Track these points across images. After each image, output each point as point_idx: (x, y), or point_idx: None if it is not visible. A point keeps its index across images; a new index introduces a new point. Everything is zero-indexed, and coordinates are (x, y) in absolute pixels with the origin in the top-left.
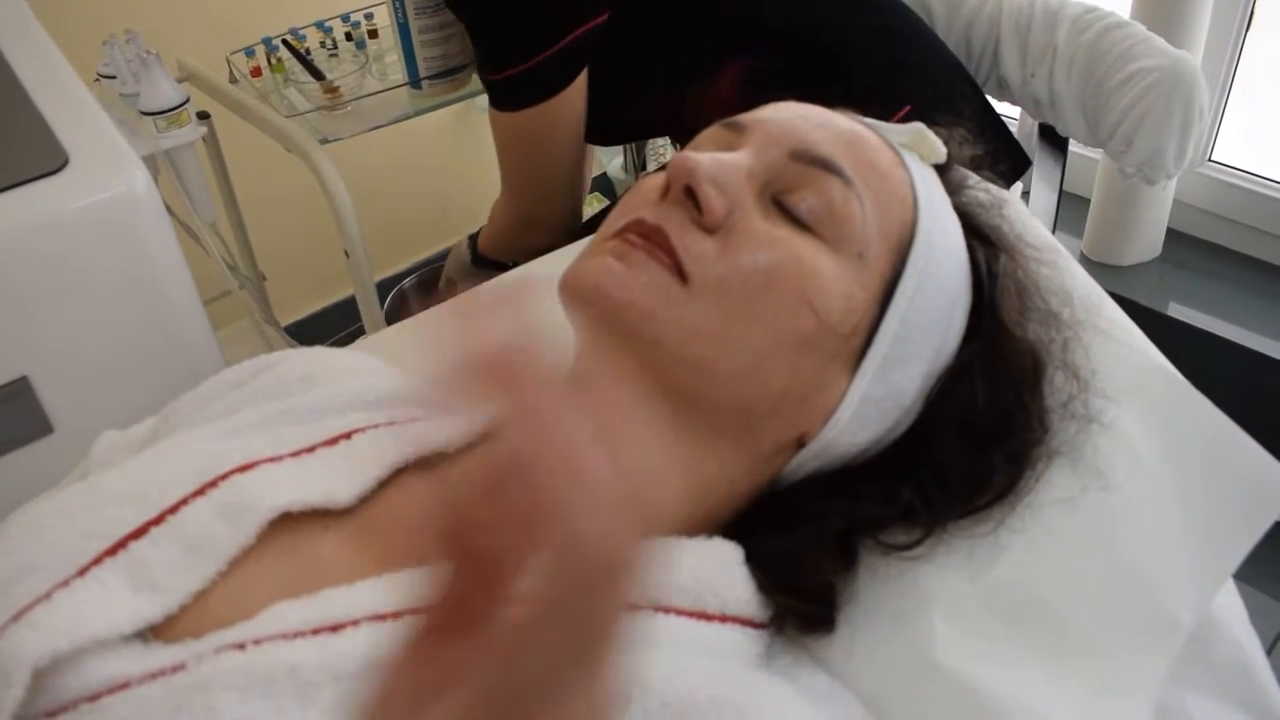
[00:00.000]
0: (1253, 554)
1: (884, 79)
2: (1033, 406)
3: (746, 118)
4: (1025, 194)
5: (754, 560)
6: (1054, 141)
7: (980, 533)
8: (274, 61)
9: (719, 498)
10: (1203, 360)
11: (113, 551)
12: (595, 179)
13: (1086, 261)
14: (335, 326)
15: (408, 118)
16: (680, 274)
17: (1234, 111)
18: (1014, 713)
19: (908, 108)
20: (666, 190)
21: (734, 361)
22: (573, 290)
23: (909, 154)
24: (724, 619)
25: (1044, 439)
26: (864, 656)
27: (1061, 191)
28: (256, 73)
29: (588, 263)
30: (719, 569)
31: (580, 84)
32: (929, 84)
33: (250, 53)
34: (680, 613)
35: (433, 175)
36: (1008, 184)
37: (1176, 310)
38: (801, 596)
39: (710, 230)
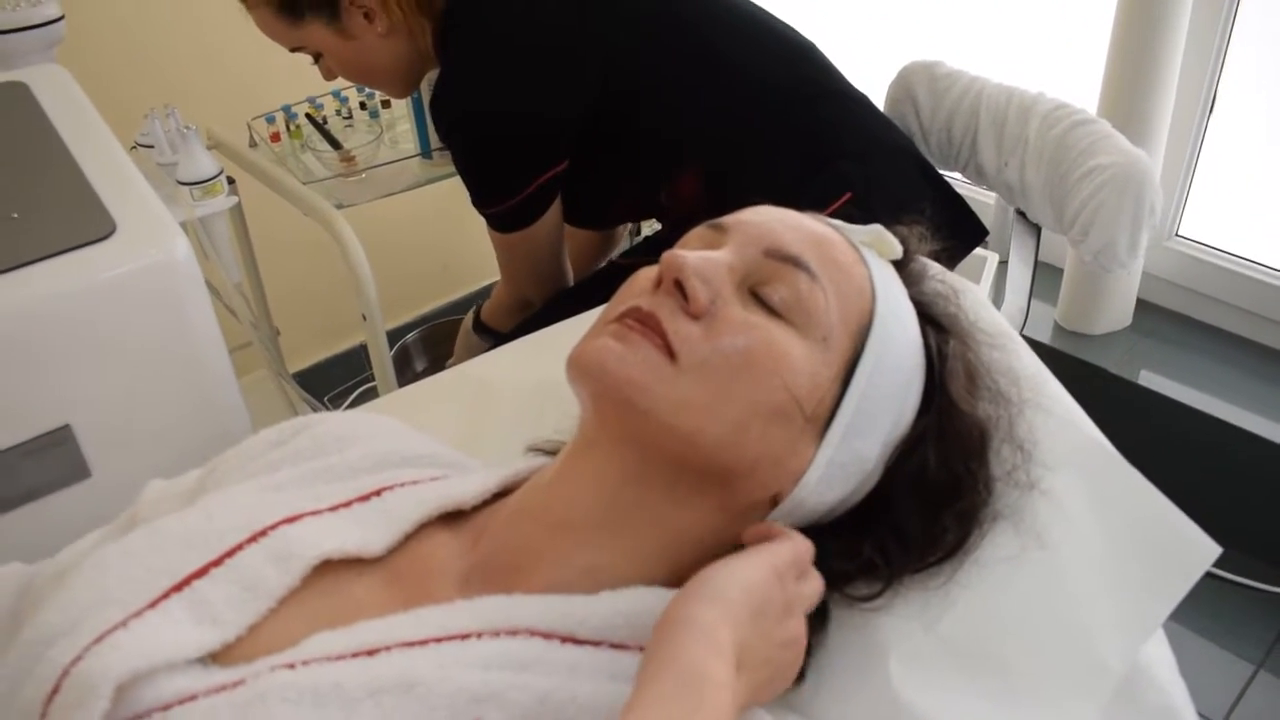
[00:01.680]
0: (1216, 612)
1: (822, 170)
2: (979, 473)
3: (728, 220)
4: (1003, 263)
5: None
6: (1030, 222)
7: (933, 586)
8: (292, 128)
9: (705, 548)
10: (1171, 427)
11: (179, 588)
12: None
13: (1060, 330)
14: (340, 377)
15: (419, 185)
16: (670, 353)
17: (1199, 189)
18: None
19: (848, 194)
20: (659, 282)
21: (716, 429)
22: (579, 367)
23: (869, 251)
24: None
25: (989, 501)
26: (829, 699)
27: (1036, 267)
28: (275, 138)
29: (592, 343)
30: None
31: (554, 209)
32: (869, 170)
33: (271, 119)
34: None
35: (435, 234)
36: (964, 253)
37: (1146, 378)
38: None
39: (696, 317)
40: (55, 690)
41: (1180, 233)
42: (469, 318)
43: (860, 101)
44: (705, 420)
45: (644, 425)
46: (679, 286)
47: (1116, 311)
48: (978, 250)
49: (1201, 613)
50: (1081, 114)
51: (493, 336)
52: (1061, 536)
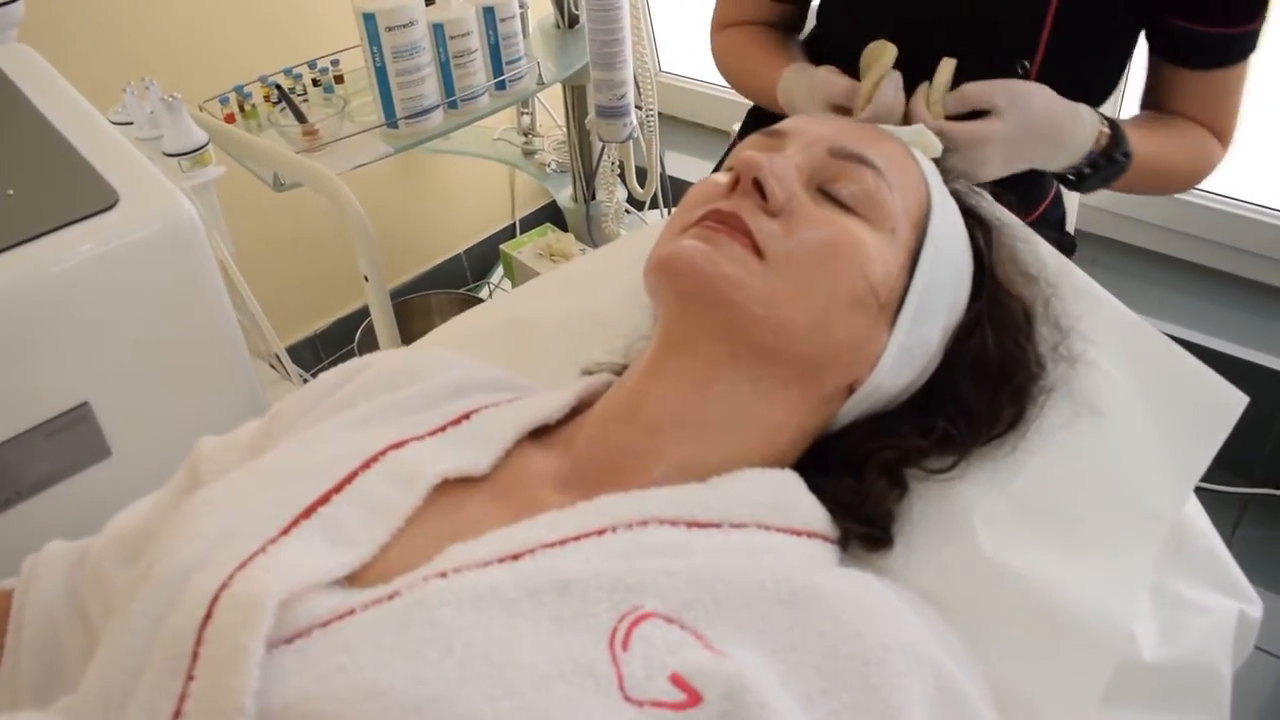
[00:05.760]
0: None
1: None
2: (1029, 349)
3: (784, 127)
4: None
5: (820, 494)
6: None
7: (1000, 455)
8: (247, 108)
9: (790, 437)
10: None
11: (306, 515)
12: (545, 208)
13: None
14: (310, 361)
15: (388, 156)
16: (757, 250)
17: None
18: (1049, 591)
19: None
20: (734, 185)
21: (805, 318)
22: (670, 269)
23: (915, 150)
24: (810, 534)
25: (1041, 375)
26: (920, 562)
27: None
28: (230, 119)
29: (675, 247)
30: (795, 494)
31: None
32: None
33: (224, 100)
34: (778, 529)
35: (389, 212)
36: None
37: None
38: (865, 522)
39: (774, 214)
40: (208, 616)
41: None
42: None
43: None
44: (795, 310)
45: (737, 319)
46: (757, 186)
47: None
48: None
49: None
50: None
51: None
52: (1108, 401)
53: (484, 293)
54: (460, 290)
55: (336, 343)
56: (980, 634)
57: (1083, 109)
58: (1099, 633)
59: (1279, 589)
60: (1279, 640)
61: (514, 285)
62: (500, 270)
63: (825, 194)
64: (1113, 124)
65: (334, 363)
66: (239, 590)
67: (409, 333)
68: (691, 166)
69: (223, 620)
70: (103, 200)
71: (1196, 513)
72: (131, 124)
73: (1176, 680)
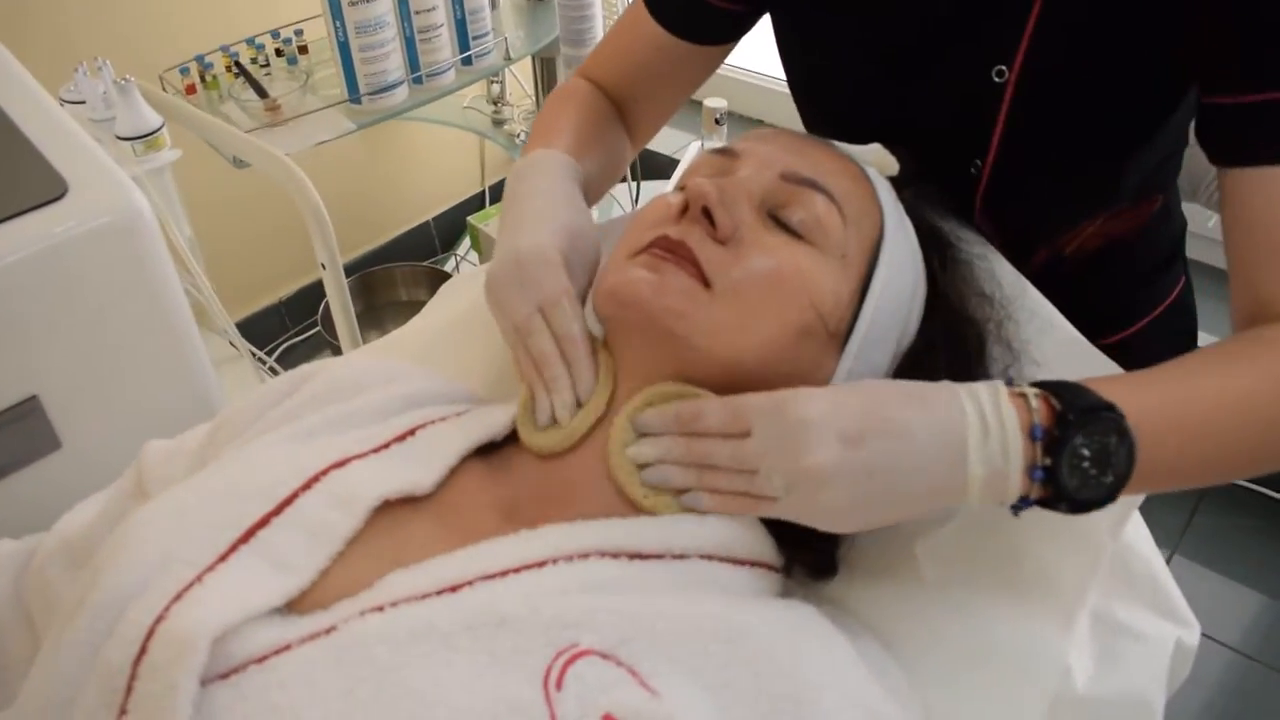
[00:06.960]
0: None
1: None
2: (980, 375)
3: (738, 146)
4: None
5: (764, 520)
6: None
7: None
8: (208, 79)
9: None
10: None
11: (245, 539)
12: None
13: None
14: (276, 329)
15: (351, 133)
16: (704, 280)
17: None
18: (988, 622)
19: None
20: (683, 210)
21: (752, 348)
22: (617, 300)
23: (871, 169)
24: (753, 564)
25: None
26: (862, 589)
27: None
28: (191, 90)
29: (622, 275)
30: (739, 523)
31: None
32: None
33: (185, 70)
34: (721, 559)
35: (355, 179)
36: None
37: None
38: (809, 549)
39: (723, 242)
40: (142, 651)
41: None
42: None
43: None
44: (740, 340)
45: (682, 351)
46: (706, 214)
47: None
48: None
49: None
50: None
51: None
52: None
53: (450, 265)
54: (426, 262)
55: (302, 311)
56: (920, 663)
57: (943, 386)
58: (1035, 665)
59: (1234, 576)
60: (1230, 629)
61: (481, 258)
62: (468, 242)
63: (776, 220)
64: (1052, 385)
65: (298, 333)
66: (173, 625)
67: (374, 305)
68: (663, 139)
69: (156, 656)
70: (51, 190)
71: (1141, 537)
72: (84, 103)
73: (1109, 714)
